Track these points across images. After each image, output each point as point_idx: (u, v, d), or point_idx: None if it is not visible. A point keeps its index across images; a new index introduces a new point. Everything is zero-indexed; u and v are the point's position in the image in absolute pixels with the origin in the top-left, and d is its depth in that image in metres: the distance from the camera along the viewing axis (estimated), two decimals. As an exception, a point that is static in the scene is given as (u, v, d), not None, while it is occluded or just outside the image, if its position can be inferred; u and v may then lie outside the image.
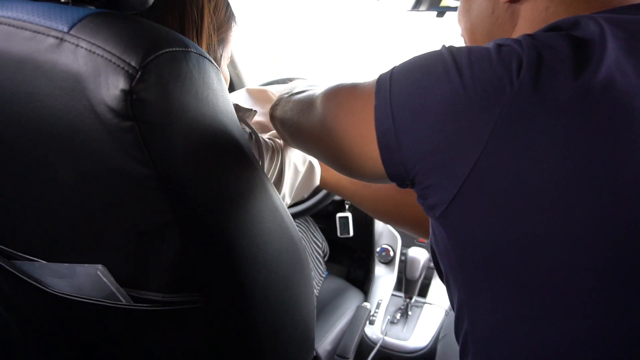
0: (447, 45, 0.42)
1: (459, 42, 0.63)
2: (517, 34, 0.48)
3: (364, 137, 0.44)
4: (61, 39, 0.38)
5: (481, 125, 0.37)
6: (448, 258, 0.45)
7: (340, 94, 0.50)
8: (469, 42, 0.56)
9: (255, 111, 0.73)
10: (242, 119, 0.67)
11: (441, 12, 1.02)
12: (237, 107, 0.70)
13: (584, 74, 0.36)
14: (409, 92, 0.41)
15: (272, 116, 0.68)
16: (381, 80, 0.44)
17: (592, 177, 0.35)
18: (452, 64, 0.39)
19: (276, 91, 0.87)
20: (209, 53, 0.62)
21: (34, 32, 0.39)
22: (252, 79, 1.85)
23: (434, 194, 0.41)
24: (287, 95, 0.64)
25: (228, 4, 0.66)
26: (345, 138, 0.47)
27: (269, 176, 0.71)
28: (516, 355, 0.41)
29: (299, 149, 0.68)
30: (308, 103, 0.55)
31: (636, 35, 0.38)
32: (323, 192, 1.37)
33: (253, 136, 0.68)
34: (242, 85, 1.81)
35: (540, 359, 0.40)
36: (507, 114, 0.36)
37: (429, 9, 1.02)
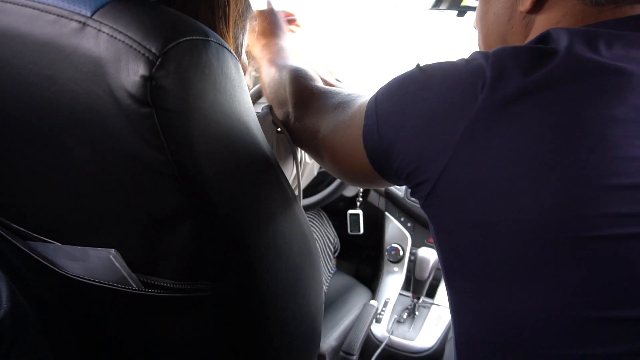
0: (420, 65, 0.49)
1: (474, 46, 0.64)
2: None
3: (359, 159, 0.54)
4: (84, 24, 0.39)
5: (450, 134, 0.44)
6: (434, 241, 0.52)
7: (338, 126, 0.59)
8: (483, 46, 0.60)
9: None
10: (276, 118, 0.72)
11: (462, 11, 1.01)
12: (271, 108, 0.73)
13: (531, 77, 0.42)
14: (390, 111, 0.49)
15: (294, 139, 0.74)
16: (368, 106, 0.52)
17: (537, 174, 0.40)
18: (424, 83, 0.47)
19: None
20: (235, 41, 0.64)
21: (58, 15, 0.39)
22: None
23: (416, 191, 0.50)
24: (298, 126, 0.70)
25: None
26: (345, 158, 0.59)
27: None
28: (482, 323, 0.47)
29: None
30: (315, 143, 0.65)
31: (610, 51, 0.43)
32: (334, 185, 1.37)
33: (285, 134, 0.71)
34: (256, 81, 1.81)
35: (501, 325, 0.45)
36: (472, 123, 0.43)
37: (450, 8, 1.01)
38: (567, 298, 0.40)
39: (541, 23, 0.51)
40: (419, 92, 0.47)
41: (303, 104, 0.68)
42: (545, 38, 0.46)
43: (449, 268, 0.49)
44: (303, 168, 0.84)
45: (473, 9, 0.99)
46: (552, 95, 0.41)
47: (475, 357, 0.48)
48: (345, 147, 0.57)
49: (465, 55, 0.49)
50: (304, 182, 0.87)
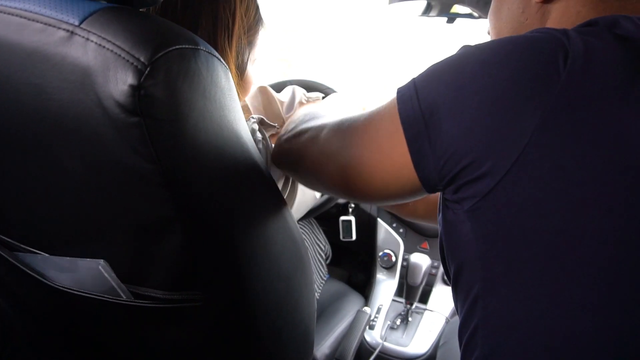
0: (470, 45, 0.42)
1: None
2: None
3: (392, 152, 0.44)
4: (72, 32, 0.38)
5: (526, 119, 0.36)
6: (467, 252, 0.44)
7: (353, 126, 0.50)
8: None
9: (278, 129, 0.76)
10: (261, 130, 0.69)
11: (451, 18, 1.02)
12: (262, 121, 0.71)
13: (631, 69, 0.36)
14: (440, 93, 0.41)
15: (278, 152, 0.65)
16: (402, 92, 0.44)
17: (632, 175, 0.35)
18: (488, 57, 0.39)
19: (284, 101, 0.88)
20: (237, 55, 0.63)
21: (46, 24, 0.39)
22: (262, 81, 1.85)
23: (467, 189, 0.41)
24: (291, 134, 0.61)
25: (258, 7, 0.66)
26: (370, 161, 0.47)
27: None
28: (531, 345, 0.41)
29: (305, 184, 0.65)
30: (317, 143, 0.54)
31: None
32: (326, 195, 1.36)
33: (264, 144, 0.69)
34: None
35: (556, 348, 0.40)
36: (554, 105, 0.36)
37: (439, 14, 1.02)
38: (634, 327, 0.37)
39: (558, 13, 0.48)
40: (480, 68, 0.39)
41: (305, 122, 0.60)
42: (594, 25, 0.42)
43: (489, 279, 0.43)
44: (303, 196, 0.83)
45: (463, 15, 1.00)
46: None
47: None
48: (367, 150, 0.47)
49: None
50: (306, 204, 0.85)
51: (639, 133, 0.35)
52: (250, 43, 0.67)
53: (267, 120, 0.75)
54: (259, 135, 0.69)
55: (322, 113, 0.62)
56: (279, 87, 1.45)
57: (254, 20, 0.66)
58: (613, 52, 0.37)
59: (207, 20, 0.59)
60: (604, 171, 0.36)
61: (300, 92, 0.86)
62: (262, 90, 0.87)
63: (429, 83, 0.42)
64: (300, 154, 0.57)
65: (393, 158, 0.44)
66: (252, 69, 0.71)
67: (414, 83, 0.43)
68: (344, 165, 0.50)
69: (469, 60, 0.40)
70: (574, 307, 0.38)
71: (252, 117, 0.72)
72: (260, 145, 0.68)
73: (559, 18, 0.48)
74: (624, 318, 0.37)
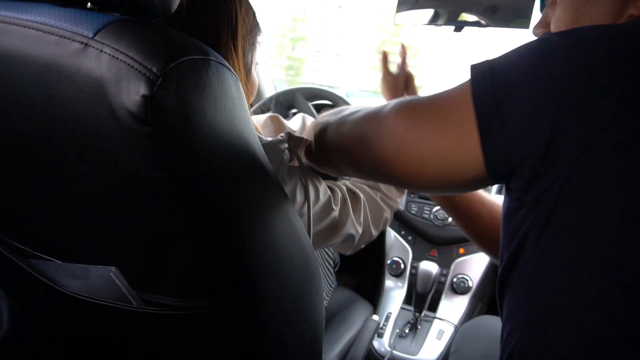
0: (552, 32, 0.42)
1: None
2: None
3: (460, 130, 0.43)
4: (86, 44, 0.39)
5: (600, 108, 0.35)
6: (525, 242, 0.43)
7: (418, 108, 0.48)
8: None
9: (307, 140, 0.70)
10: (293, 150, 0.64)
11: (459, 27, 1.02)
12: (290, 135, 0.66)
13: None
14: (518, 74, 0.40)
15: (319, 143, 0.63)
16: (477, 71, 0.43)
17: None
18: (567, 46, 0.38)
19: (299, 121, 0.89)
20: (244, 56, 0.64)
21: (60, 36, 0.40)
22: (270, 90, 1.87)
23: (533, 176, 0.40)
24: (335, 120, 0.60)
25: (254, 11, 0.69)
26: (435, 146, 0.45)
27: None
28: (568, 338, 0.40)
29: (356, 174, 0.64)
30: (370, 126, 0.52)
31: None
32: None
33: (303, 176, 0.66)
34: (260, 97, 1.82)
35: (593, 345, 0.39)
36: (631, 97, 0.34)
37: (447, 23, 1.02)
38: None
39: None
40: (560, 55, 0.38)
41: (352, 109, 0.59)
42: None
43: (540, 270, 0.42)
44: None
45: (470, 24, 1.00)
46: None
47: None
48: (433, 129, 0.45)
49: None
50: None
51: None
52: (253, 45, 0.68)
53: (295, 135, 0.68)
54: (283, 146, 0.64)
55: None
56: (287, 95, 1.46)
57: (253, 24, 0.67)
58: None
59: (208, 20, 0.60)
60: None
61: (310, 120, 0.86)
62: (273, 119, 0.87)
63: (507, 64, 0.41)
64: (353, 135, 0.55)
65: (460, 136, 0.43)
66: (255, 72, 0.72)
67: (491, 64, 0.42)
68: (404, 145, 0.48)
69: (550, 48, 0.39)
70: (626, 305, 0.37)
71: (281, 135, 0.66)
72: (285, 156, 0.64)
73: None
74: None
